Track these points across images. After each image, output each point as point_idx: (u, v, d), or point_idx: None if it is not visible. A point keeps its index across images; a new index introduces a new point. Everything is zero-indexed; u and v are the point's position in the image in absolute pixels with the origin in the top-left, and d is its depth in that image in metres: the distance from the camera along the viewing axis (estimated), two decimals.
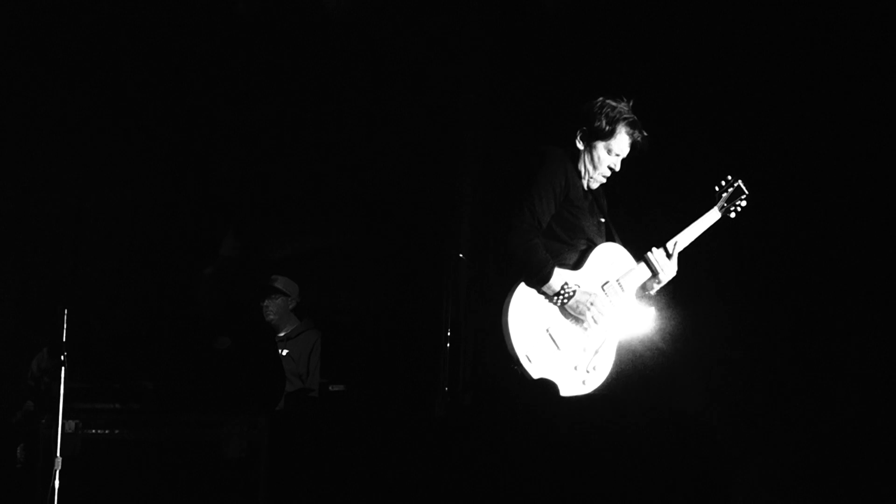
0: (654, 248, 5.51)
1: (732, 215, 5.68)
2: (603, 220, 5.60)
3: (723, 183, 5.68)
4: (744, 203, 5.67)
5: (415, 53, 7.69)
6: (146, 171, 8.28)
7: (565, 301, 5.25)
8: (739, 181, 5.67)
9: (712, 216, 5.64)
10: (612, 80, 5.71)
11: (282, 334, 8.15)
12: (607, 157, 5.43)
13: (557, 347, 5.25)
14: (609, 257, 5.48)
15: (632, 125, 5.39)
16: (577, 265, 5.39)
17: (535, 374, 5.17)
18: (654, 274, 5.50)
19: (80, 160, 8.10)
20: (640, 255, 5.53)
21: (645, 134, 5.42)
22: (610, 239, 5.57)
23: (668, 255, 5.51)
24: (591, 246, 5.45)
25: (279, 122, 8.25)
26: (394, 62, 7.77)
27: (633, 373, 5.48)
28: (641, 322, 5.53)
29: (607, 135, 5.39)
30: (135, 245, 8.38)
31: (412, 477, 5.64)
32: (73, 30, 7.94)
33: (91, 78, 8.07)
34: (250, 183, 8.51)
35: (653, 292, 5.56)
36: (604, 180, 5.52)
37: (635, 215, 5.90)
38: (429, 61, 7.66)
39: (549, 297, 5.25)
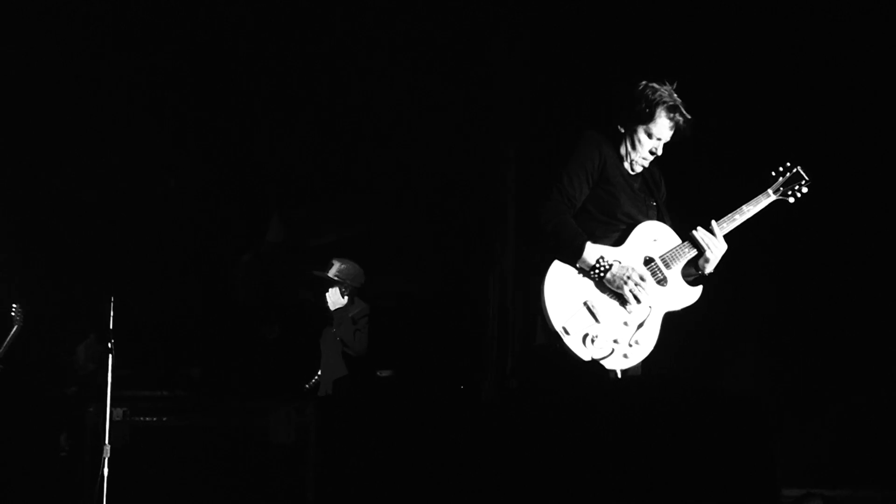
0: (699, 227, 5.45)
1: (791, 200, 5.59)
2: (654, 203, 5.56)
3: (780, 168, 5.61)
4: (805, 189, 5.59)
5: (457, 40, 7.67)
6: (192, 159, 8.30)
7: (602, 274, 5.23)
8: (798, 167, 5.60)
9: (766, 199, 5.57)
10: (662, 64, 5.61)
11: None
12: (648, 140, 5.39)
13: (597, 320, 5.24)
14: (652, 235, 5.44)
15: (672, 109, 5.34)
16: (617, 242, 5.38)
17: (573, 347, 5.17)
18: (701, 252, 5.43)
19: (126, 150, 8.14)
20: (685, 233, 5.47)
21: (688, 117, 5.36)
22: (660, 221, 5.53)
23: (714, 234, 5.44)
24: (634, 224, 5.41)
25: (323, 108, 8.25)
26: (436, 49, 7.75)
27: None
28: (688, 298, 5.46)
29: (647, 118, 5.35)
30: (182, 233, 8.40)
31: (459, 462, 5.60)
32: (110, 20, 8.00)
33: (135, 67, 8.11)
34: (295, 169, 8.51)
35: (706, 271, 5.48)
36: (646, 164, 5.48)
37: (687, 198, 5.82)
38: (471, 46, 7.63)
39: (586, 272, 5.24)
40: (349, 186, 8.41)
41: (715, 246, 5.43)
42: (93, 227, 8.17)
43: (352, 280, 8.10)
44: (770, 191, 5.58)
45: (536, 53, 7.36)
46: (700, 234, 5.44)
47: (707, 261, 5.46)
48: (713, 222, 5.45)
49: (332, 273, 8.10)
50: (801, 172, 5.60)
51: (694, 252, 5.45)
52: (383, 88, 7.99)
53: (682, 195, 5.75)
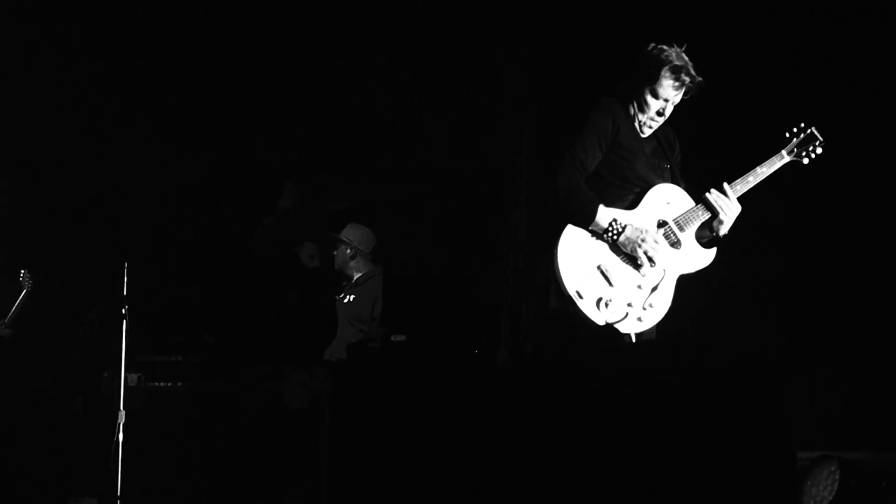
0: (712, 189, 5.43)
1: (805, 161, 5.56)
2: (668, 165, 5.54)
3: (794, 129, 5.59)
4: (819, 150, 5.56)
5: (457, 40, 7.66)
6: (192, 159, 8.31)
7: (615, 237, 5.24)
8: (813, 128, 5.57)
9: (780, 160, 5.54)
10: (677, 28, 5.57)
11: (353, 281, 8.15)
12: (654, 101, 5.38)
13: (610, 284, 5.24)
14: (666, 197, 5.43)
15: (675, 69, 5.31)
16: (631, 206, 5.38)
17: (587, 311, 5.17)
18: (715, 214, 5.42)
19: (126, 150, 8.17)
20: (699, 195, 5.45)
21: (696, 77, 5.34)
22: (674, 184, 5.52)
23: (728, 196, 5.42)
24: (647, 187, 5.40)
25: (323, 108, 8.26)
26: (436, 49, 7.74)
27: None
28: (702, 261, 5.44)
29: (651, 79, 5.34)
30: (197, 199, 8.42)
31: (473, 427, 5.59)
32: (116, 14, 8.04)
33: (135, 67, 8.15)
34: (295, 170, 8.53)
35: (720, 234, 5.47)
36: (655, 125, 5.47)
37: (701, 159, 5.80)
38: (471, 46, 7.62)
39: (600, 236, 5.25)
40: (364, 153, 8.38)
41: (729, 208, 5.42)
42: (95, 223, 8.21)
43: (358, 242, 8.10)
44: (784, 152, 5.55)
45: (536, 53, 7.34)
46: (714, 196, 5.43)
47: (721, 223, 5.44)
48: (725, 185, 5.43)
49: (341, 234, 8.11)
50: (816, 133, 5.57)
51: (708, 214, 5.44)
52: (383, 88, 7.98)
53: (696, 156, 5.73)
